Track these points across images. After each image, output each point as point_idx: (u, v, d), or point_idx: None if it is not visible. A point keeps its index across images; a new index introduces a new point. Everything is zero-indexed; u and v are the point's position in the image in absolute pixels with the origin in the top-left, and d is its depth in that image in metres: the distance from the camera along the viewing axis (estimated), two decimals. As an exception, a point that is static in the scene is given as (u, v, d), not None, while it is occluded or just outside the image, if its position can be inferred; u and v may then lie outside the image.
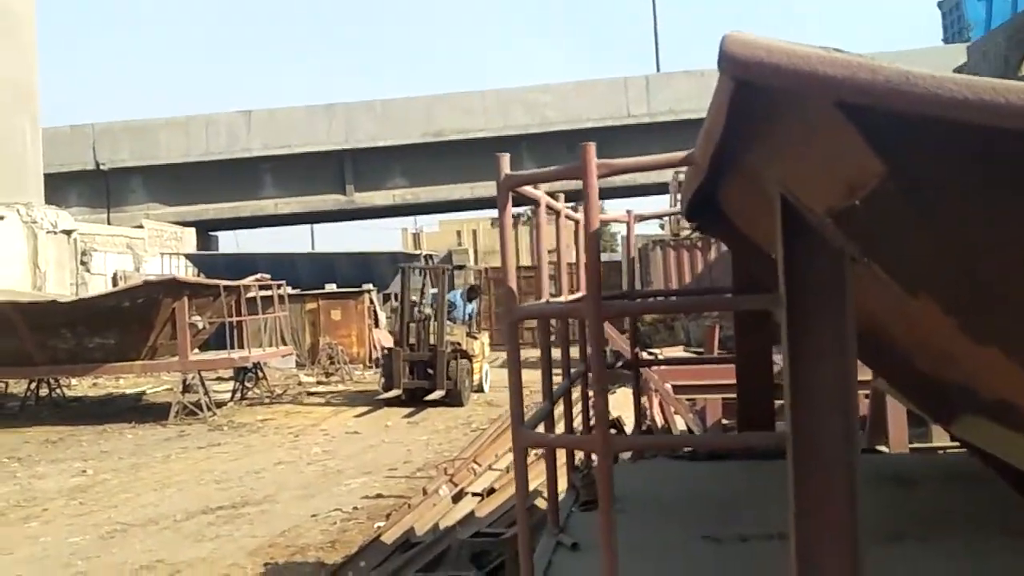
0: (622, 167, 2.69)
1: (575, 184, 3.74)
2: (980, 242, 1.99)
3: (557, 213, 4.13)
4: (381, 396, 17.21)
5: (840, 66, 1.73)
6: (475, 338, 18.26)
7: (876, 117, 1.82)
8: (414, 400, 16.79)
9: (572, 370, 4.40)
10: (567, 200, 4.41)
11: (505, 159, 2.87)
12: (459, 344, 17.38)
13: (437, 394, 16.61)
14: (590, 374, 4.76)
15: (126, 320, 16.81)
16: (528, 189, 3.32)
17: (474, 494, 7.69)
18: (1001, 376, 2.48)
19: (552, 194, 4.04)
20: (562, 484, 4.35)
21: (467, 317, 18.60)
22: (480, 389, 18.30)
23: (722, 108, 1.99)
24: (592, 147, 2.64)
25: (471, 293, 19.22)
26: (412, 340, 17.19)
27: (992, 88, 1.66)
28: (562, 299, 3.82)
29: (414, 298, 17.59)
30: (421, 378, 16.86)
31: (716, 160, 2.60)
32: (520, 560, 2.86)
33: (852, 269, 2.54)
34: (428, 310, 17.39)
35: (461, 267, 22.95)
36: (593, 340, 2.64)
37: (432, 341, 16.94)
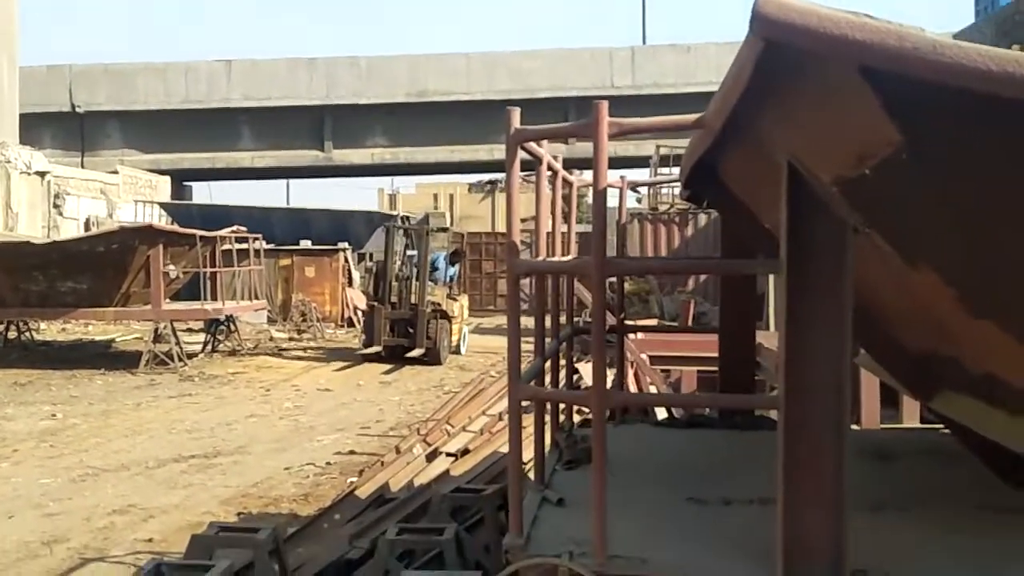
0: (633, 127, 2.71)
1: (567, 154, 3.72)
2: (991, 215, 2.03)
3: (555, 173, 4.14)
4: (361, 352, 17.46)
5: (869, 31, 1.76)
6: (455, 300, 18.53)
7: (897, 85, 1.85)
8: (393, 357, 17.06)
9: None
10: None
11: (516, 113, 2.88)
12: (439, 305, 17.58)
13: (416, 352, 16.88)
14: (576, 336, 4.81)
15: (100, 265, 16.66)
16: (533, 148, 3.33)
17: (448, 454, 7.73)
18: (992, 349, 2.54)
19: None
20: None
21: (448, 279, 18.89)
22: (457, 351, 18.47)
23: (746, 69, 2.01)
24: (605, 105, 2.66)
25: (454, 256, 19.43)
26: (394, 299, 17.43)
27: (1017, 61, 1.69)
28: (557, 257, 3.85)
29: (397, 259, 17.72)
30: (401, 336, 17.14)
31: (727, 124, 2.63)
32: (510, 509, 2.90)
33: (854, 239, 2.58)
34: (407, 270, 17.56)
35: (445, 229, 23.03)
36: (595, 296, 2.67)
37: (413, 300, 17.20)
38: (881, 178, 2.17)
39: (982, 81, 1.71)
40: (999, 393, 2.91)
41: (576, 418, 5.41)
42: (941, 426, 4.78)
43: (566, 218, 5.00)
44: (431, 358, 17.05)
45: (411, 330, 17.10)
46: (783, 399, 2.60)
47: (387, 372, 16.30)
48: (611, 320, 6.00)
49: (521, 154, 3.37)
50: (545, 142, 3.60)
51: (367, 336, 17.60)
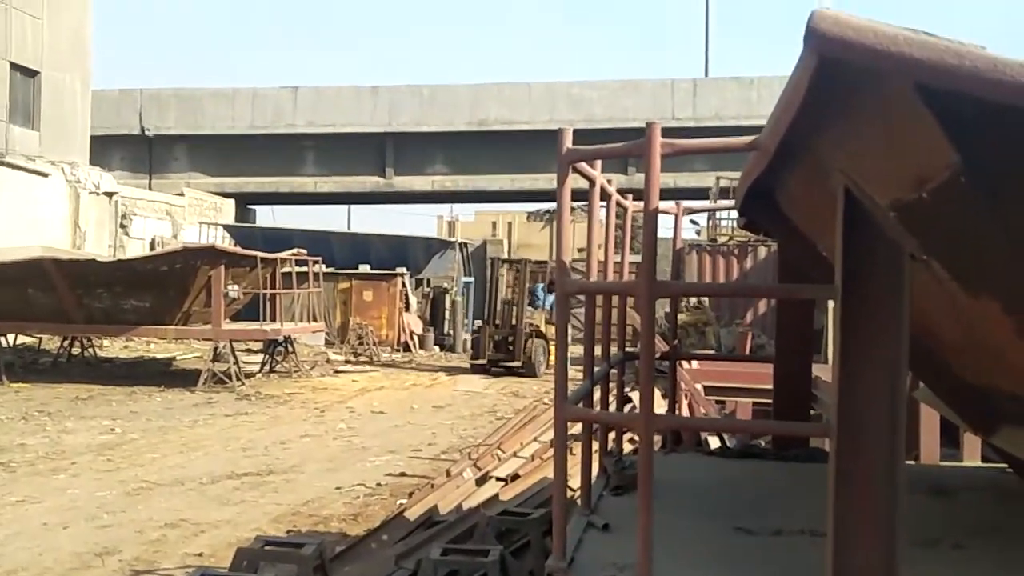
0: (686, 148, 2.69)
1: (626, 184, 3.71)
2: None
3: (609, 198, 4.12)
4: (471, 363, 21.25)
5: (927, 48, 1.72)
6: (553, 324, 20.83)
7: (955, 104, 1.81)
8: (496, 369, 20.50)
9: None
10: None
11: (568, 133, 2.87)
12: (537, 326, 20.79)
13: (515, 364, 20.20)
14: (629, 361, 4.76)
15: (163, 284, 16.97)
16: (585, 168, 3.33)
17: (498, 478, 7.70)
18: (1055, 382, 2.46)
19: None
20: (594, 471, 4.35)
21: (547, 306, 22.53)
22: None
23: (802, 86, 1.98)
24: (658, 126, 2.64)
25: (551, 286, 21.94)
26: (497, 321, 20.77)
27: (1080, 80, 1.65)
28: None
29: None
30: (502, 352, 20.52)
31: (782, 146, 2.60)
32: (553, 531, 2.88)
33: (911, 266, 2.53)
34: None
35: (543, 262, 26.64)
36: (644, 317, 2.65)
37: (513, 322, 20.49)
38: (939, 202, 2.13)
39: (1043, 101, 1.67)
40: (1062, 428, 2.83)
41: (627, 447, 5.34)
42: (1004, 465, 4.65)
43: (621, 245, 4.97)
44: (527, 371, 20.06)
45: (511, 347, 20.40)
46: (835, 427, 2.54)
47: (489, 376, 19.98)
48: (664, 347, 5.96)
49: (577, 180, 3.38)
50: (599, 169, 3.60)
51: (474, 350, 21.39)
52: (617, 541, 3.18)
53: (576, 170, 3.15)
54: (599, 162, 3.55)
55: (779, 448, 4.85)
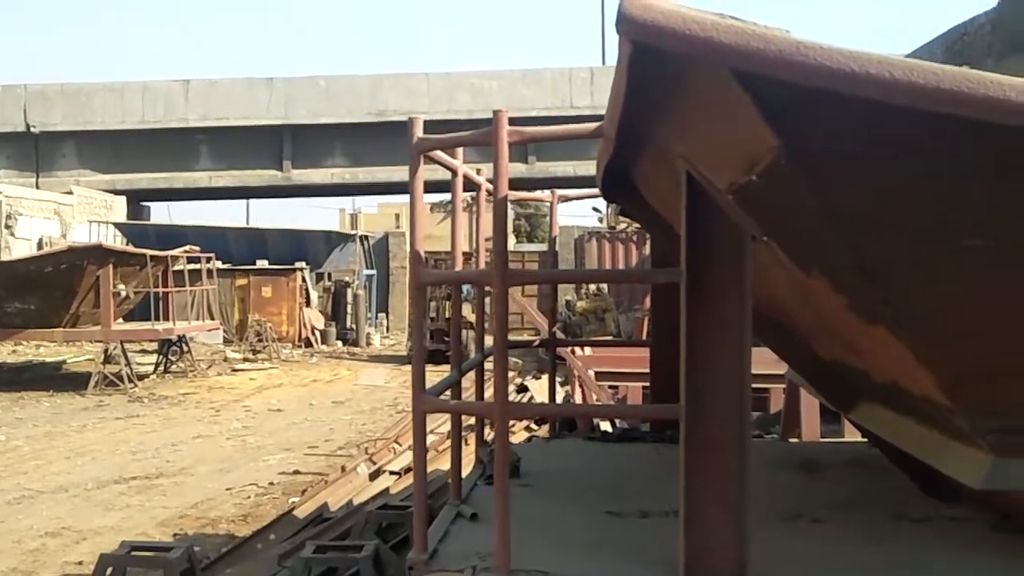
0: (533, 135, 2.70)
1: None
2: (866, 219, 2.02)
3: (477, 188, 4.11)
4: (407, 355, 21.30)
5: (733, 33, 1.74)
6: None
7: (771, 88, 1.84)
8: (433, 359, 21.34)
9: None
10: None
11: (418, 122, 2.85)
12: (465, 318, 20.95)
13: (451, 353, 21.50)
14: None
15: (48, 286, 16.39)
16: (445, 158, 3.31)
17: (392, 472, 7.66)
18: (888, 356, 2.53)
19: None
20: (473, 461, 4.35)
21: (473, 297, 23.31)
22: None
23: (622, 73, 2.00)
24: (504, 113, 2.64)
25: None
26: (432, 314, 21.71)
27: (878, 62, 1.69)
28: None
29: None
30: (439, 342, 21.12)
31: (625, 133, 2.62)
32: (414, 524, 2.86)
33: (752, 248, 2.57)
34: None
35: (470, 255, 28.17)
36: (497, 306, 2.64)
37: (446, 315, 21.08)
38: (768, 184, 2.16)
39: (845, 82, 1.70)
40: (904, 402, 2.92)
41: (524, 435, 5.34)
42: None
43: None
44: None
45: (446, 338, 20.23)
46: (683, 408, 2.59)
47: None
48: (562, 336, 5.97)
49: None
50: (461, 158, 3.58)
51: (412, 343, 22.50)
52: (485, 530, 3.17)
53: (433, 159, 3.13)
54: (460, 151, 3.54)
55: (656, 431, 4.93)
